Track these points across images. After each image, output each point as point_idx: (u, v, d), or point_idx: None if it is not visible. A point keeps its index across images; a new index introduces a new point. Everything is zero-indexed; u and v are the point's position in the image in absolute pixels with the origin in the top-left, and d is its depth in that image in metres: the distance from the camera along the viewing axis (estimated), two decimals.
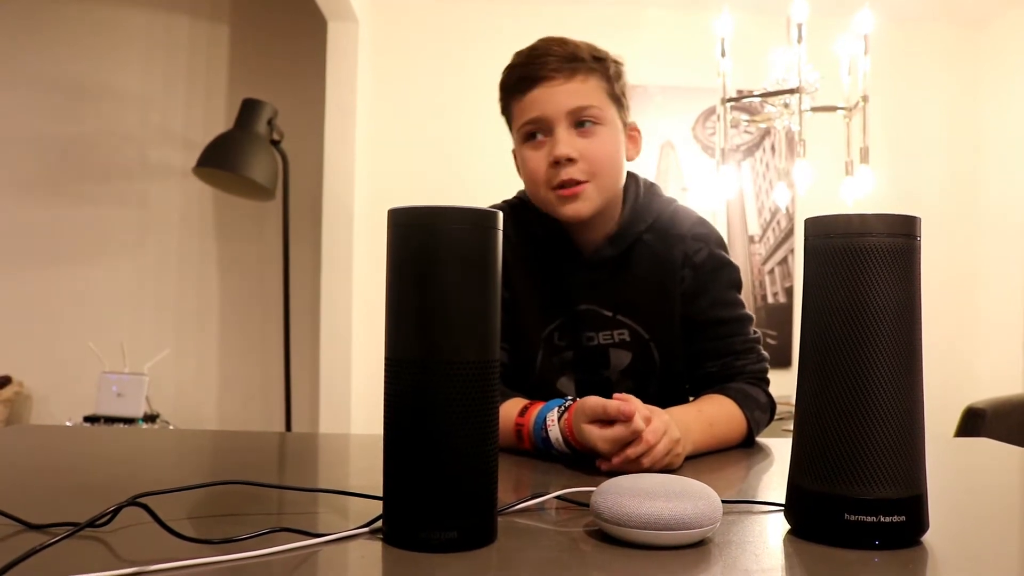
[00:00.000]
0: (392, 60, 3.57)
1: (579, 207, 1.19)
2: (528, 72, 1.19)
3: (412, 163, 3.56)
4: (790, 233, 3.78)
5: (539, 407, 1.10)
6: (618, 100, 1.23)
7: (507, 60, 1.26)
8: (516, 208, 1.32)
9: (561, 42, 1.21)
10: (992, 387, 3.36)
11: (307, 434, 1.39)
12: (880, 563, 0.68)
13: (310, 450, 1.25)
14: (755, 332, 1.30)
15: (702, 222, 1.30)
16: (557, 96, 1.18)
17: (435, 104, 3.59)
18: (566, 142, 1.17)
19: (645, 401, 1.06)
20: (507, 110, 1.26)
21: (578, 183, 1.18)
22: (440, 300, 0.68)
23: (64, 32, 3.65)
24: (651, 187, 1.31)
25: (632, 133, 1.28)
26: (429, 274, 0.69)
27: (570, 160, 1.17)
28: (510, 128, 1.28)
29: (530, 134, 1.21)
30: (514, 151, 1.30)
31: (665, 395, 1.29)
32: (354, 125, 3.30)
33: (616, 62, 1.25)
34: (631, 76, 1.29)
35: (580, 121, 1.18)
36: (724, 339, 1.26)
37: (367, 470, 1.03)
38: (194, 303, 3.67)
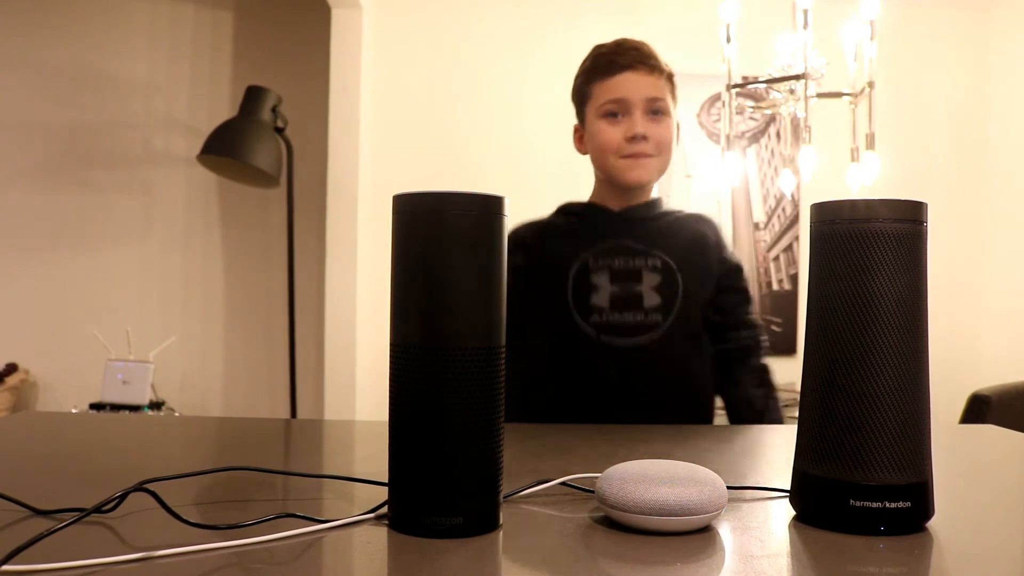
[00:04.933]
0: (396, 46, 3.56)
1: (642, 174, 1.44)
2: (618, 59, 1.43)
3: (416, 149, 3.56)
4: (795, 220, 3.77)
5: None
6: (675, 100, 1.48)
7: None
8: (554, 211, 1.55)
9: (643, 44, 1.46)
10: (997, 374, 3.36)
11: (312, 420, 1.39)
12: (885, 549, 0.68)
13: (315, 436, 1.25)
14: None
15: (720, 232, 1.57)
16: (640, 84, 1.42)
17: (439, 90, 3.58)
18: (642, 123, 1.41)
19: (668, 318, 1.40)
20: (585, 89, 1.48)
21: (648, 156, 1.42)
22: (445, 286, 0.68)
23: (68, 19, 3.64)
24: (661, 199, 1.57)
25: (676, 127, 1.51)
26: (434, 260, 0.68)
27: (644, 138, 1.41)
28: (582, 104, 1.50)
29: (610, 112, 1.43)
30: (576, 127, 1.53)
31: (686, 321, 1.44)
32: (358, 112, 3.30)
33: (673, 74, 1.49)
34: None
35: (653, 109, 1.42)
36: (748, 348, 1.52)
37: (372, 456, 1.03)
38: (199, 290, 3.67)
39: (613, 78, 1.42)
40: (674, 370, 1.43)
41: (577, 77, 1.50)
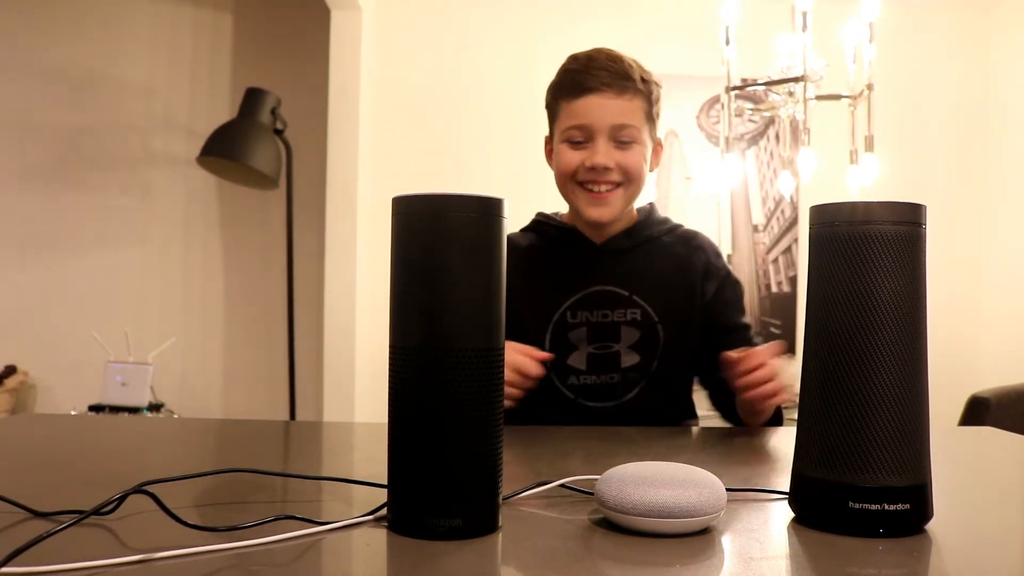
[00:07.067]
0: (395, 48, 3.56)
1: (603, 212, 1.35)
2: (583, 80, 1.32)
3: (415, 151, 3.56)
4: (794, 222, 3.77)
5: None
6: (652, 119, 1.37)
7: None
8: (531, 225, 1.46)
9: (617, 58, 1.35)
10: (996, 376, 3.36)
11: (311, 422, 1.39)
12: (884, 551, 0.68)
13: (314, 438, 1.25)
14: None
15: (715, 245, 1.48)
16: (605, 109, 1.31)
17: (438, 92, 3.58)
18: (604, 153, 1.31)
19: (646, 376, 1.34)
20: (553, 106, 1.40)
21: (612, 185, 1.33)
22: (444, 287, 0.68)
23: (68, 22, 3.64)
24: (653, 204, 1.48)
25: (656, 148, 1.41)
26: (433, 261, 0.68)
27: (606, 169, 1.32)
28: (551, 120, 1.41)
29: (572, 139, 1.34)
30: (547, 139, 1.44)
31: (665, 373, 1.39)
32: (357, 114, 3.30)
33: (657, 85, 1.38)
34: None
35: (620, 138, 1.32)
36: (747, 342, 1.39)
37: (371, 458, 1.03)
38: (198, 292, 3.67)
39: (578, 100, 1.32)
40: (651, 422, 1.35)
41: (548, 90, 1.41)
